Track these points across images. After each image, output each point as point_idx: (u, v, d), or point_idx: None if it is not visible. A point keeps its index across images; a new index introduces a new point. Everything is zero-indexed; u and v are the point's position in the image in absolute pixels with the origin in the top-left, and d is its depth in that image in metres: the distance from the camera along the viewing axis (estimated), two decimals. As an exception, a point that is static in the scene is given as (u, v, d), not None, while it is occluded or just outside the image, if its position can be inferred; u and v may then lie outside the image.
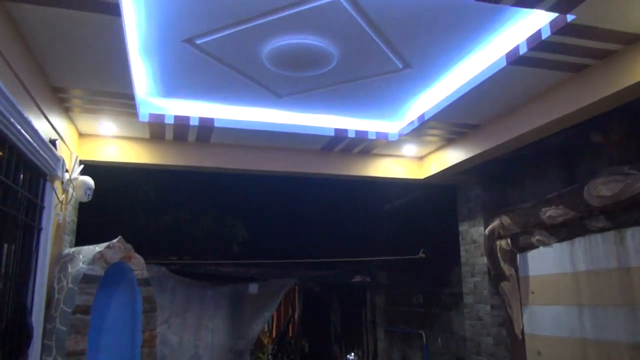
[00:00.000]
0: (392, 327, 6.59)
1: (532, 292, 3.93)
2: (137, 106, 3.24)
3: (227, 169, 4.13)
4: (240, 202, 5.81)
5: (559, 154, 3.82)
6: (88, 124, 3.55)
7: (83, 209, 3.88)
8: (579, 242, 3.49)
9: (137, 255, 3.50)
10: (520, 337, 3.97)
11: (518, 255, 4.09)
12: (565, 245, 3.62)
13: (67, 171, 3.12)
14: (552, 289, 3.71)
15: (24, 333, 2.66)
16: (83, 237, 3.81)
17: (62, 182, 3.19)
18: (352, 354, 4.26)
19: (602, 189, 3.05)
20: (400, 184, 4.98)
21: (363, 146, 4.10)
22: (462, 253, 4.58)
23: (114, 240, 3.32)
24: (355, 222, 5.72)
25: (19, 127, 2.27)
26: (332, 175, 4.35)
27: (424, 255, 4.89)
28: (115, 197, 4.70)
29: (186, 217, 5.53)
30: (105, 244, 3.26)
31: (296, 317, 7.02)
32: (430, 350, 5.60)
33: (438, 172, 4.18)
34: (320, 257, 5.20)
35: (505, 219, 4.01)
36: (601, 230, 3.27)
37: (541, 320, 3.80)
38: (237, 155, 4.06)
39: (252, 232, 5.81)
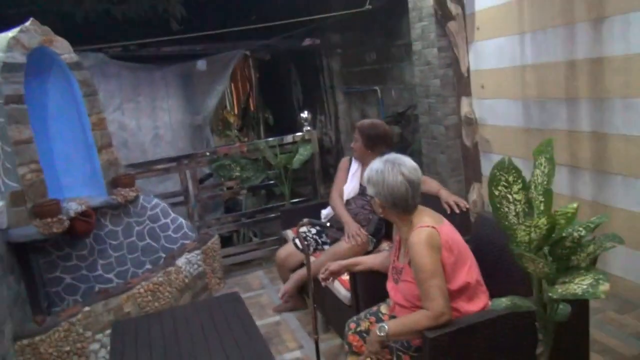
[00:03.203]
0: (349, 88, 6.72)
1: (478, 28, 3.89)
2: None
3: None
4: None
5: None
6: None
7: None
8: (525, -35, 3.30)
9: (59, 38, 3.24)
10: (466, 74, 4.07)
11: (465, -8, 3.92)
12: (511, -29, 3.44)
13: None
14: (497, 21, 3.66)
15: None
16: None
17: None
18: (305, 112, 4.37)
19: None
20: None
21: None
22: (409, -3, 4.37)
23: (26, 24, 3.02)
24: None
25: None
26: None
27: (370, 7, 4.67)
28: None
29: (114, -1, 5.03)
30: (16, 29, 2.98)
31: (254, 90, 7.05)
32: (385, 103, 5.82)
33: None
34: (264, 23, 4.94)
35: (452, -48, 3.72)
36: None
37: (485, 55, 3.85)
38: None
39: (191, 7, 5.38)
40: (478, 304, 1.87)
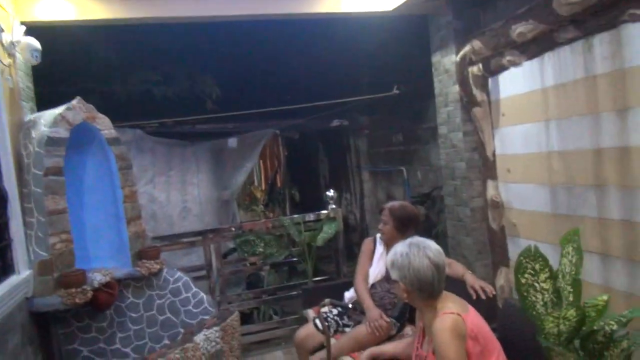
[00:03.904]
0: (375, 168, 6.82)
1: (503, 115, 3.96)
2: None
3: (188, 18, 3.87)
4: (210, 59, 5.61)
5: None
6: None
7: (40, 77, 3.73)
8: (548, 57, 3.41)
9: (101, 115, 3.45)
10: (492, 158, 4.09)
11: (489, 80, 4.04)
12: (535, 62, 3.55)
13: (2, 30, 2.92)
14: (521, 108, 3.73)
15: (-1, 196, 2.72)
16: (46, 108, 3.72)
17: (3, 45, 3.02)
18: (331, 190, 4.43)
19: (571, -6, 2.89)
20: (370, 19, 4.75)
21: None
22: (436, 84, 4.53)
23: (73, 102, 3.24)
24: (329, 65, 5.57)
25: None
26: (300, 15, 4.09)
27: (398, 92, 4.84)
28: (74, 63, 4.50)
29: (155, 79, 5.37)
30: (64, 106, 3.19)
31: (282, 167, 7.23)
32: (410, 184, 5.85)
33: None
34: (296, 105, 5.16)
35: (476, 43, 3.88)
36: (570, 41, 3.18)
37: (511, 140, 3.89)
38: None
39: (225, 88, 5.69)
40: (506, 398, 1.76)
